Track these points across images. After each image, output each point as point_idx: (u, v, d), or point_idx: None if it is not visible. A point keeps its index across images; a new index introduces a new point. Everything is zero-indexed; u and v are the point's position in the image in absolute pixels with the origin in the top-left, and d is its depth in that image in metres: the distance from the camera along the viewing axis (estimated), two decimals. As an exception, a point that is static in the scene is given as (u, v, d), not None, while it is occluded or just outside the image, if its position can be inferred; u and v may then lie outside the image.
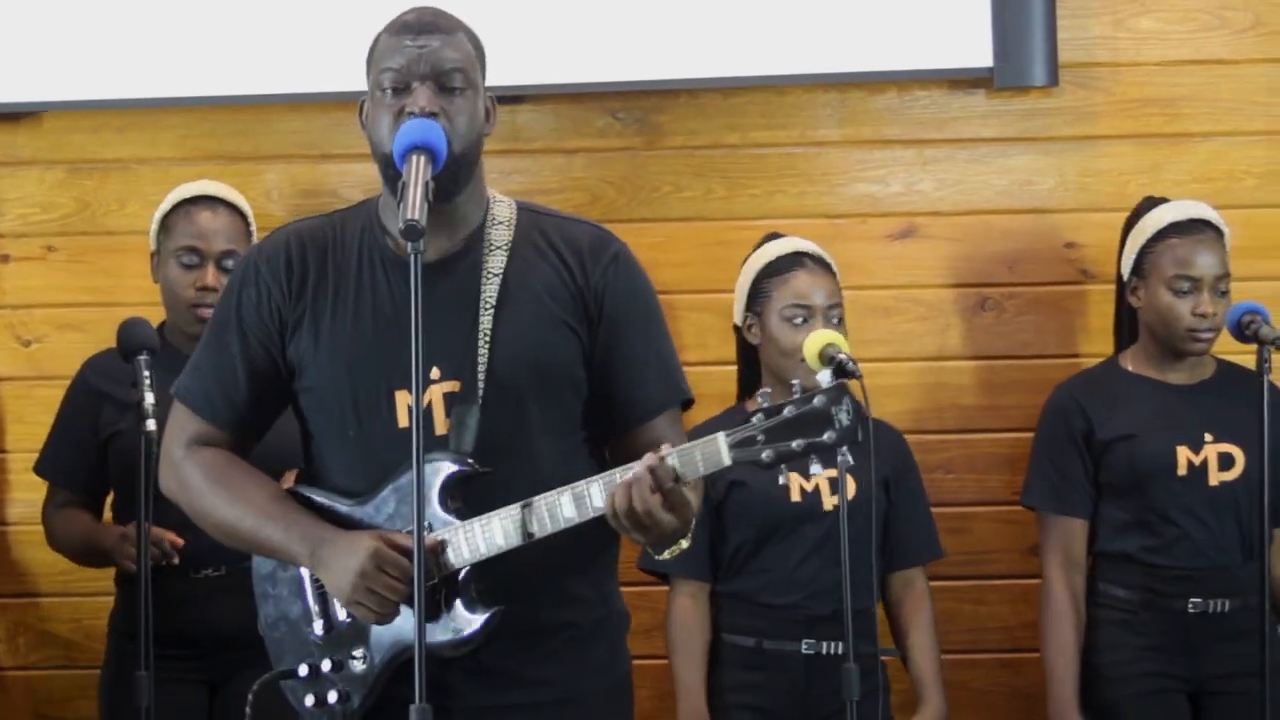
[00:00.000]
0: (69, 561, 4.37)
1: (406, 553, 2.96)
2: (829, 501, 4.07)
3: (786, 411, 2.84)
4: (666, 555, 3.00)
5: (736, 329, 4.24)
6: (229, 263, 4.14)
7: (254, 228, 4.29)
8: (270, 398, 3.20)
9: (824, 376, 2.90)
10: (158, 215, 4.26)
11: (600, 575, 3.18)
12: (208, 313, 3.98)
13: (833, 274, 4.18)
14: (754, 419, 2.86)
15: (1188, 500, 4.12)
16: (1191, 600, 4.10)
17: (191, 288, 4.15)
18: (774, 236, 4.26)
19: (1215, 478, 4.12)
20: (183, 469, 3.19)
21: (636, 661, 3.32)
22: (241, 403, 3.17)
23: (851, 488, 3.94)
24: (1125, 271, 4.26)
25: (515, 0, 4.52)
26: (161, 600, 3.90)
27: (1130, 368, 4.27)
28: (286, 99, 4.62)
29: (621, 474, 2.91)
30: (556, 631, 3.11)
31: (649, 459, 2.88)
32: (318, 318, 3.12)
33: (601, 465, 3.11)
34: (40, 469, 4.34)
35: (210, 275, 4.14)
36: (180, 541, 3.97)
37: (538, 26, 4.54)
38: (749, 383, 4.26)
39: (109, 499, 4.28)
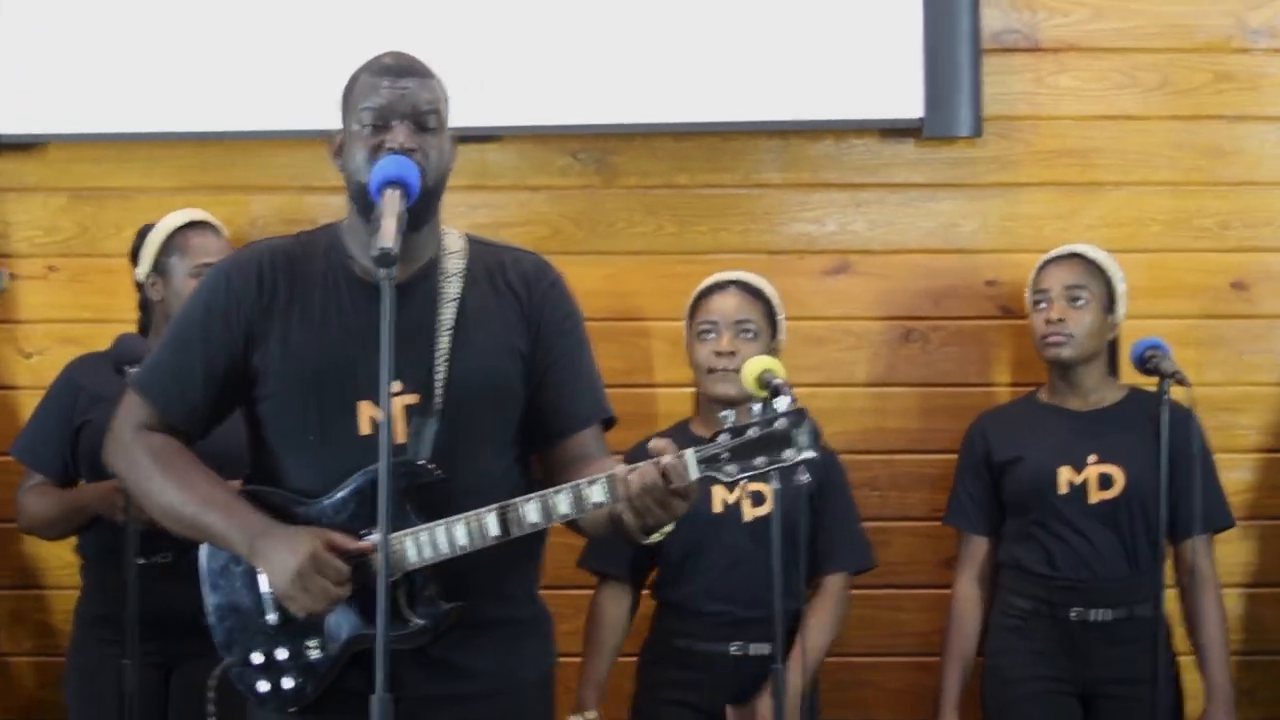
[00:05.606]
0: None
1: (344, 555, 3.05)
2: (750, 513, 4.16)
3: (751, 432, 2.93)
4: (658, 536, 3.02)
5: None
6: None
7: None
8: (221, 403, 3.23)
9: (780, 403, 2.99)
10: (159, 240, 4.31)
11: (530, 576, 3.30)
12: None
13: (756, 298, 4.26)
14: (719, 438, 2.94)
15: (1070, 517, 4.29)
16: (1074, 609, 4.24)
17: None
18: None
19: (1095, 496, 4.27)
20: (132, 449, 3.20)
21: (563, 659, 3.43)
22: (196, 403, 3.21)
23: (770, 501, 3.95)
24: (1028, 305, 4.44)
25: (485, 47, 4.60)
26: (116, 586, 3.98)
27: (1043, 398, 4.44)
28: (274, 135, 4.70)
29: (587, 485, 3.00)
30: (495, 626, 3.20)
31: (670, 457, 2.96)
32: (286, 329, 3.18)
33: (530, 481, 3.24)
34: (16, 452, 4.34)
35: None
36: None
37: (506, 72, 4.61)
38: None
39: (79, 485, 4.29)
